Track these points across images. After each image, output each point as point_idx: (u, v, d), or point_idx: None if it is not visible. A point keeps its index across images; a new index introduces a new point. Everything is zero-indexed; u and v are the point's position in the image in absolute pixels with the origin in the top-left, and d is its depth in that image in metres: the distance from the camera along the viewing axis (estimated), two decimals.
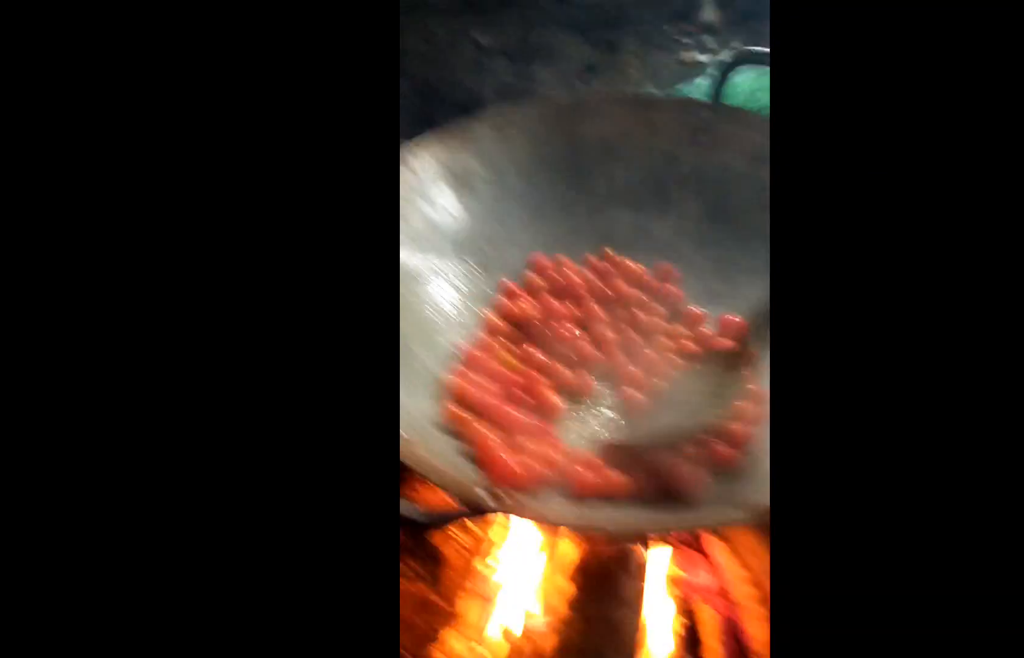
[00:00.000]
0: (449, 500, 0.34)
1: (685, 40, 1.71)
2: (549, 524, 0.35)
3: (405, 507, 0.30)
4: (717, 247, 0.62)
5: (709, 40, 1.71)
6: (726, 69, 0.67)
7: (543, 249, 0.62)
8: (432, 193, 0.59)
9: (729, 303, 0.57)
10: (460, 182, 0.61)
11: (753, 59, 0.71)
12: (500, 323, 0.56)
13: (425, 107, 1.40)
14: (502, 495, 0.34)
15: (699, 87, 1.42)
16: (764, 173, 0.62)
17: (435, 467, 0.37)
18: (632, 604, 0.47)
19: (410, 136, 1.28)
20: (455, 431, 0.44)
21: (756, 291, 0.57)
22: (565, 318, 0.56)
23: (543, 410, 0.48)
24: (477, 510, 0.33)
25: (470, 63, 1.57)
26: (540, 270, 0.60)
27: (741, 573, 0.56)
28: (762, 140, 0.63)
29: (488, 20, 1.74)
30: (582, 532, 0.33)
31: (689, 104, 0.68)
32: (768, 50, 0.82)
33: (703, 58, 1.63)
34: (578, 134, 0.66)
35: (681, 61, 1.65)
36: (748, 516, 0.35)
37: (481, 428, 0.44)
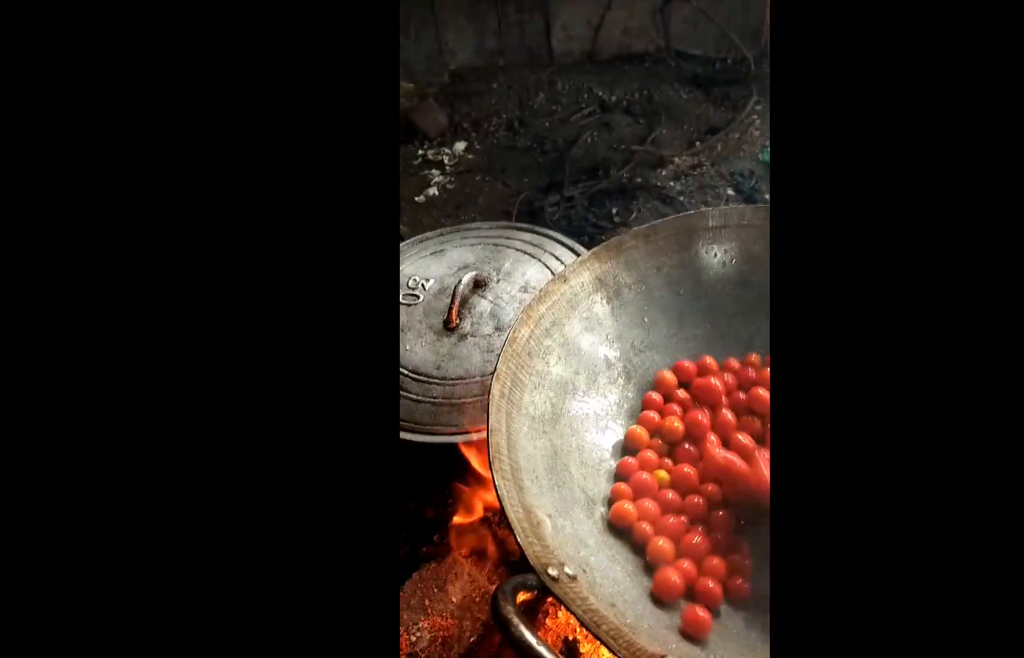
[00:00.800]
0: None
1: None
2: None
3: None
4: None
5: None
6: None
7: (686, 355, 0.63)
8: (587, 305, 0.61)
9: None
10: (612, 292, 0.63)
11: None
12: (646, 435, 0.57)
13: (553, 168, 1.43)
14: None
15: None
16: None
17: (612, 624, 0.38)
18: None
19: (545, 196, 1.31)
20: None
21: None
22: (706, 429, 0.57)
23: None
24: None
25: (593, 123, 1.59)
26: (682, 374, 0.61)
27: None
28: None
29: (611, 78, 1.76)
30: None
31: None
32: None
33: None
34: (721, 244, 0.66)
35: None
36: None
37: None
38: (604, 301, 0.62)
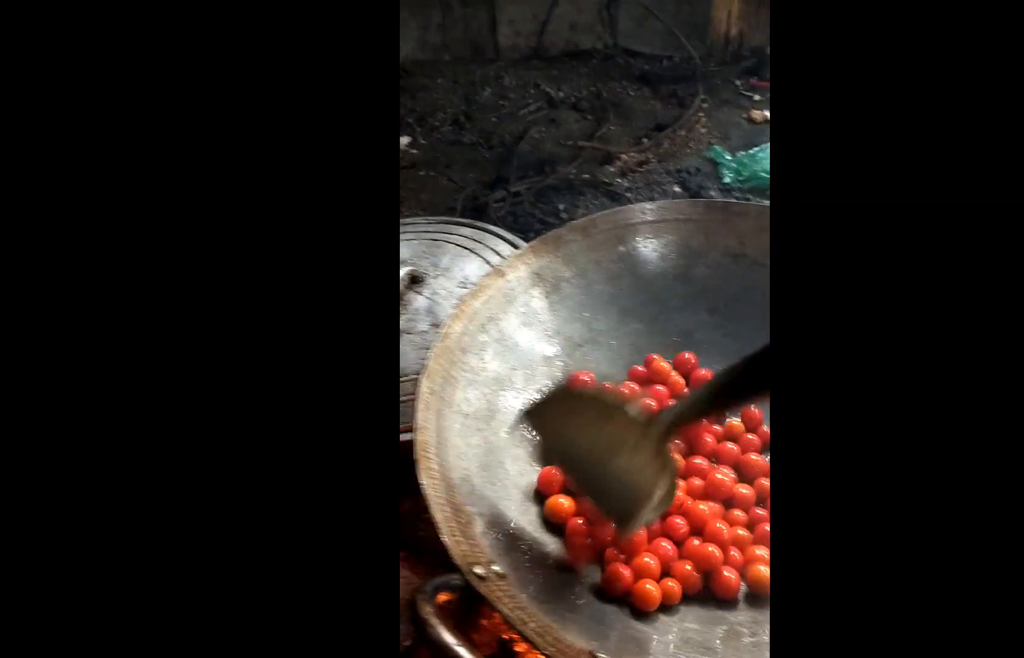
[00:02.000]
0: None
1: (756, 97, 1.71)
2: None
3: None
4: None
5: None
6: None
7: (628, 350, 0.64)
8: (524, 300, 0.61)
9: None
10: (550, 287, 0.63)
11: None
12: None
13: (499, 164, 1.43)
14: None
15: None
16: None
17: (540, 620, 0.38)
18: None
19: (490, 192, 1.30)
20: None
21: None
22: None
23: None
24: None
25: (541, 119, 1.60)
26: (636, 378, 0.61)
27: None
28: None
29: (559, 73, 1.77)
30: None
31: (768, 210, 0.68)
32: None
33: None
34: (661, 238, 0.67)
35: (750, 119, 1.65)
36: None
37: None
38: (542, 296, 0.62)
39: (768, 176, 1.42)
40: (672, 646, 0.43)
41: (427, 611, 0.32)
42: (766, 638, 0.44)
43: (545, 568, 0.46)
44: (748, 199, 1.35)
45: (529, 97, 1.70)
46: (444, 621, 0.32)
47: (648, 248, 0.67)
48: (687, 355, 0.63)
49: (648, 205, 0.67)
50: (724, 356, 0.63)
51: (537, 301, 0.62)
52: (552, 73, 1.81)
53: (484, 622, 0.54)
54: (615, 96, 1.70)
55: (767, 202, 1.10)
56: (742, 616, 0.46)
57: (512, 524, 0.47)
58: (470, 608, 0.55)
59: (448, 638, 0.31)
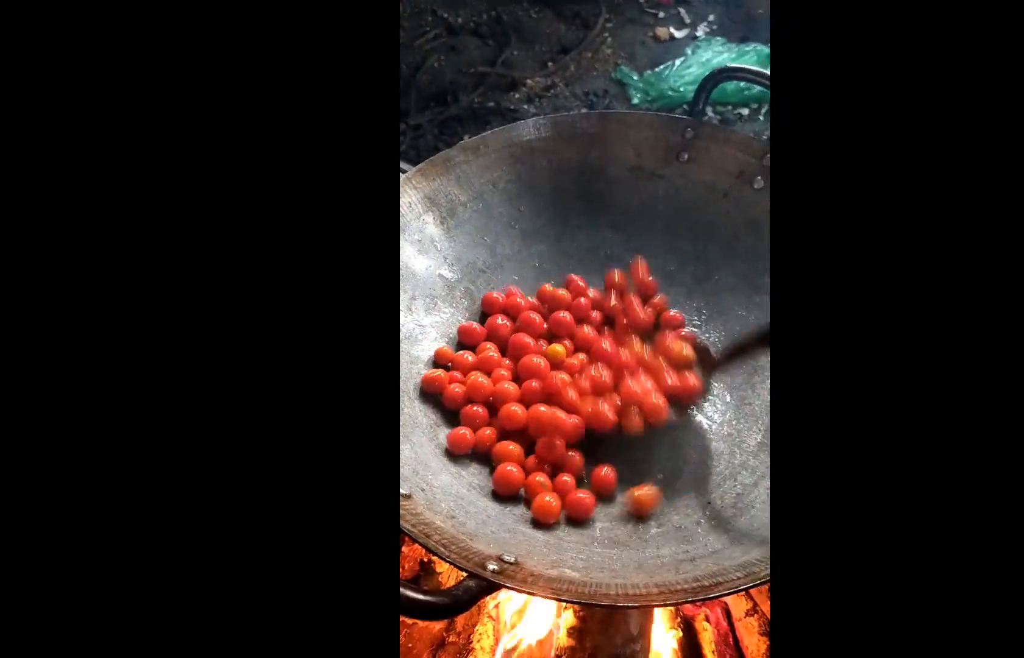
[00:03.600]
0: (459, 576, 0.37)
1: (660, 14, 1.73)
2: (560, 599, 0.38)
3: (417, 592, 0.32)
4: (704, 264, 0.65)
5: (684, 14, 1.72)
6: (706, 83, 0.70)
7: (532, 273, 0.65)
8: (417, 227, 0.61)
9: (715, 320, 0.62)
10: (445, 212, 0.63)
11: (732, 75, 0.74)
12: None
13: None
14: (510, 568, 0.38)
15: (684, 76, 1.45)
16: (746, 191, 0.67)
17: (445, 533, 0.40)
18: (640, 638, 0.51)
19: None
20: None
21: (737, 305, 0.62)
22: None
23: None
24: (490, 586, 0.36)
25: (439, 47, 1.56)
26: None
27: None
28: (743, 157, 0.66)
29: None
30: (587, 605, 0.36)
31: (670, 122, 0.70)
32: (746, 67, 0.85)
33: (679, 35, 1.65)
34: (558, 155, 0.68)
35: (655, 37, 1.67)
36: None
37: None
38: (437, 221, 0.62)
39: (675, 94, 1.45)
40: (577, 553, 0.45)
41: None
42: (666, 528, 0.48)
43: (454, 490, 0.47)
44: None
45: (426, 24, 1.66)
46: None
47: (545, 165, 0.68)
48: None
49: (542, 119, 0.68)
50: (627, 266, 0.65)
51: (432, 227, 0.62)
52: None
53: (405, 549, 0.55)
54: (516, 19, 1.68)
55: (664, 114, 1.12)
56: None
57: (413, 451, 0.48)
58: None
59: None
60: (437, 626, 0.55)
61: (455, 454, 0.51)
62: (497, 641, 0.60)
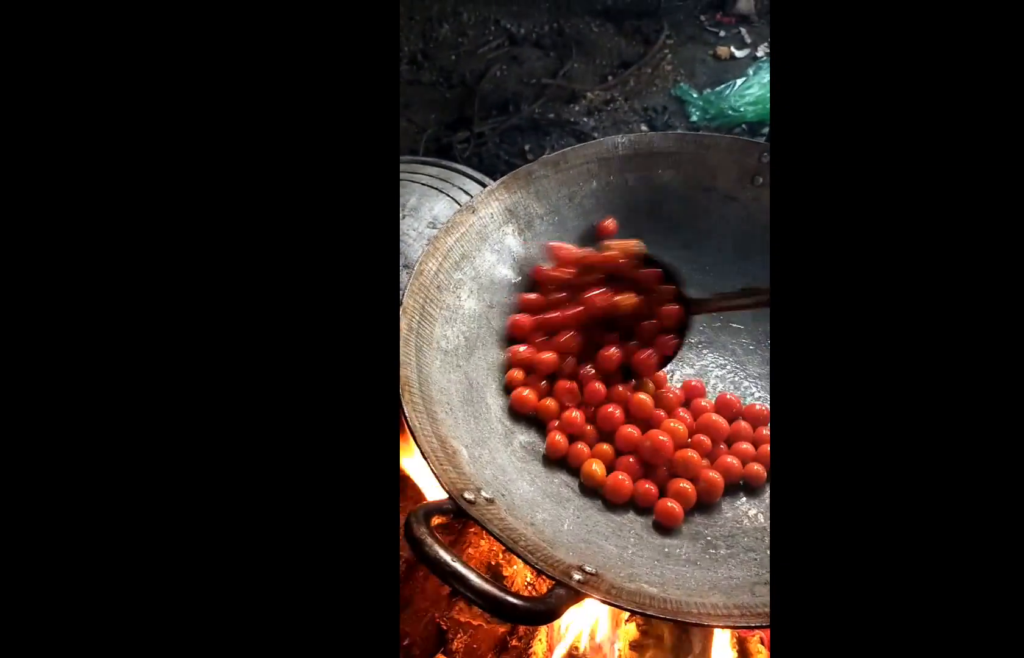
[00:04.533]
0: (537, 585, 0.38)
1: (721, 33, 1.72)
2: (645, 613, 0.39)
3: (516, 597, 0.33)
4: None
5: (745, 34, 1.71)
6: None
7: None
8: (498, 237, 0.63)
9: None
10: (524, 223, 0.64)
11: None
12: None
13: (462, 104, 1.42)
14: (593, 579, 0.38)
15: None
16: None
17: (529, 539, 0.41)
18: (702, 656, 0.51)
19: (453, 133, 1.29)
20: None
21: None
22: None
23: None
24: (576, 595, 0.37)
25: (502, 56, 1.58)
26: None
27: None
28: None
29: (519, 9, 1.75)
30: (669, 619, 0.37)
31: (747, 145, 0.71)
32: None
33: (740, 54, 1.65)
34: (633, 173, 0.69)
35: (716, 56, 1.67)
36: None
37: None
38: (516, 233, 0.64)
39: (735, 114, 1.45)
40: (650, 568, 0.46)
41: (422, 531, 0.34)
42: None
43: (531, 496, 0.48)
44: None
45: (489, 34, 1.68)
46: (438, 540, 0.34)
47: (621, 182, 0.69)
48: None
49: (619, 138, 0.69)
50: (700, 289, 0.66)
51: (511, 238, 0.63)
52: (512, 8, 1.78)
53: (471, 551, 0.57)
54: (578, 32, 1.69)
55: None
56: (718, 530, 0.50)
57: (491, 456, 0.50)
58: (457, 541, 0.58)
59: (444, 554, 0.33)
60: (501, 629, 0.56)
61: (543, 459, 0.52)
62: (551, 648, 0.61)
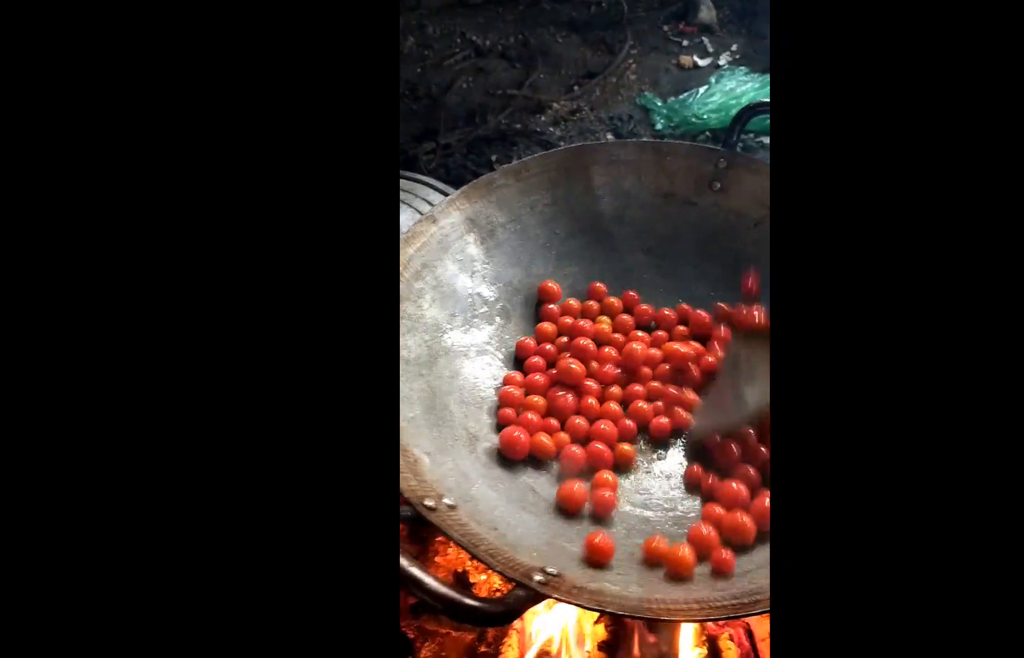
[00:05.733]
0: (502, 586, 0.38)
1: (684, 42, 1.76)
2: (605, 611, 0.40)
3: (472, 599, 0.34)
4: (733, 292, 0.67)
5: (707, 43, 1.75)
6: (741, 115, 0.72)
7: (567, 293, 0.67)
8: (460, 246, 0.63)
9: None
10: (485, 232, 0.65)
11: (767, 109, 0.76)
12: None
13: (428, 116, 1.43)
14: (554, 579, 0.39)
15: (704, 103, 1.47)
16: None
17: (491, 543, 0.41)
18: (669, 654, 0.52)
19: (419, 144, 1.30)
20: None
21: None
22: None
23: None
24: (537, 596, 0.37)
25: (468, 68, 1.60)
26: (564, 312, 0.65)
27: None
28: None
29: (484, 21, 1.76)
30: (628, 615, 0.38)
31: (705, 151, 0.72)
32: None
33: (702, 63, 1.68)
34: (594, 180, 0.70)
35: (679, 65, 1.70)
36: None
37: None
38: (477, 242, 0.64)
39: (698, 121, 1.48)
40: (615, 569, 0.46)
41: None
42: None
43: (494, 501, 0.49)
44: None
45: (454, 46, 1.69)
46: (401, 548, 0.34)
47: (582, 190, 0.70)
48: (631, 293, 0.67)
49: (581, 146, 0.70)
50: (663, 292, 0.67)
51: (473, 247, 0.64)
52: (477, 21, 1.80)
53: (439, 560, 0.57)
54: (543, 43, 1.71)
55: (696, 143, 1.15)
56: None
57: (455, 463, 0.50)
58: (425, 550, 0.58)
59: (403, 561, 0.33)
60: (469, 637, 0.56)
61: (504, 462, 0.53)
62: (522, 654, 0.61)
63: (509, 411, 0.56)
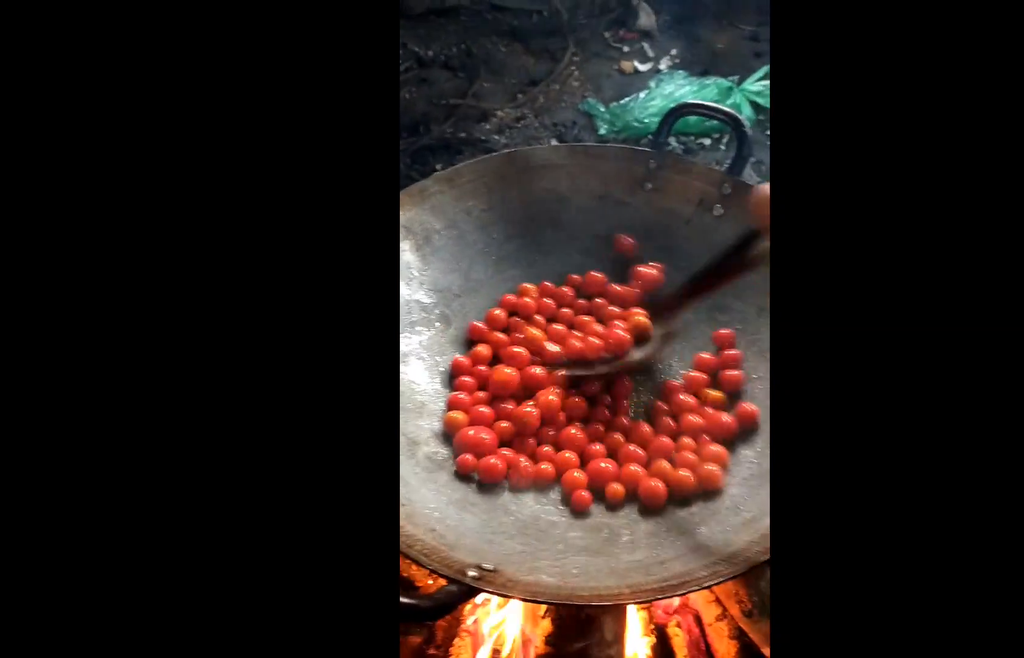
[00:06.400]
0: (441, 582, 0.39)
1: (625, 48, 1.80)
2: (537, 601, 0.41)
3: (406, 597, 0.34)
4: (666, 287, 0.69)
5: (647, 48, 1.80)
6: (668, 117, 0.74)
7: (503, 295, 0.68)
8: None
9: (677, 338, 0.65)
10: (421, 239, 0.66)
11: (692, 110, 0.79)
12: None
13: None
14: (489, 574, 0.40)
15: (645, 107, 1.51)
16: (707, 217, 0.71)
17: (427, 544, 0.42)
18: (615, 643, 0.54)
19: None
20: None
21: (700, 323, 0.65)
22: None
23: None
24: (471, 591, 0.38)
25: (411, 78, 1.60)
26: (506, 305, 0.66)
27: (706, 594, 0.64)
28: (703, 186, 0.71)
29: (426, 32, 1.77)
30: (568, 606, 0.39)
31: (635, 153, 0.75)
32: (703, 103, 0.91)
33: (643, 68, 1.72)
34: (529, 185, 0.72)
35: (621, 70, 1.74)
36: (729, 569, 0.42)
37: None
38: (413, 249, 0.65)
39: (640, 125, 1.51)
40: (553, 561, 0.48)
41: None
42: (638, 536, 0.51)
43: (434, 503, 0.49)
44: None
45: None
46: None
47: (517, 195, 0.71)
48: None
49: (514, 152, 0.71)
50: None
51: (408, 254, 0.65)
52: (419, 31, 1.80)
53: None
54: (486, 53, 1.73)
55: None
56: (621, 520, 0.52)
57: (401, 462, 0.51)
58: None
59: None
60: (417, 640, 0.57)
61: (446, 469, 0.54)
62: (475, 654, 0.62)
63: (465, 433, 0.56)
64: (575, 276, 0.69)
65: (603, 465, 0.54)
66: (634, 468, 0.54)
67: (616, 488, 0.53)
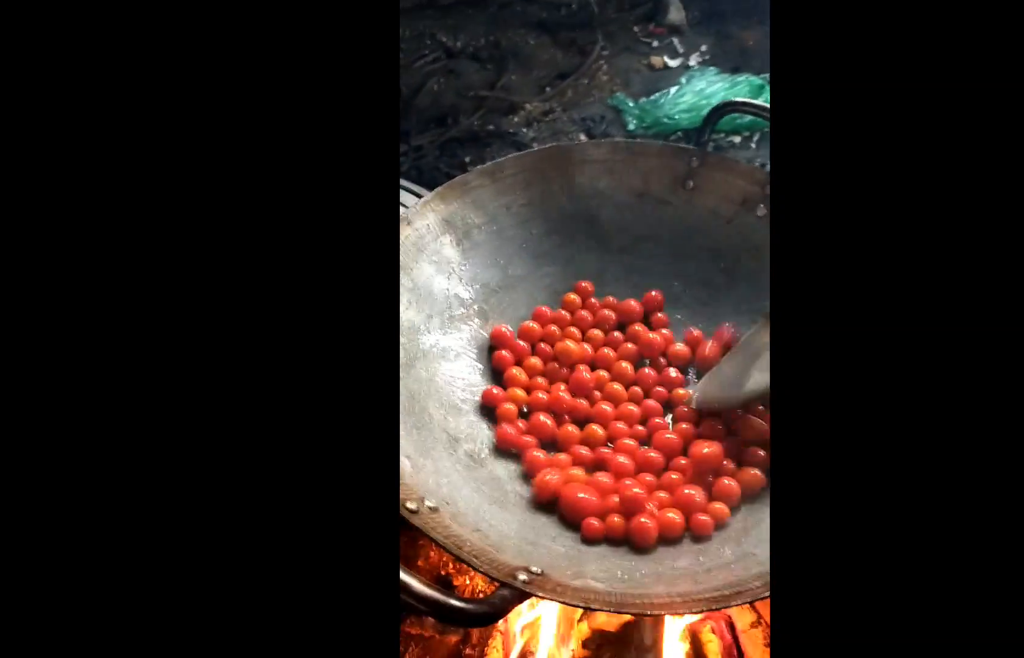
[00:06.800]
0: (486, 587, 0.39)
1: (654, 43, 1.78)
2: (591, 608, 0.40)
3: (458, 600, 0.34)
4: (707, 288, 0.68)
5: (677, 43, 1.78)
6: (712, 114, 0.73)
7: (543, 293, 0.67)
8: (435, 247, 0.63)
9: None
10: (461, 233, 0.65)
11: (737, 108, 0.78)
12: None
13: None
14: (538, 578, 0.39)
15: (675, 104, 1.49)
16: (750, 218, 0.70)
17: (475, 545, 0.41)
18: (652, 648, 0.53)
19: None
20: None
21: (740, 327, 0.64)
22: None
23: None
24: (522, 595, 0.38)
25: (439, 70, 1.60)
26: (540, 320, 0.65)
27: None
28: (746, 185, 0.70)
29: (455, 22, 1.77)
30: (613, 611, 0.38)
31: (677, 151, 0.73)
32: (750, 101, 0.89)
33: (672, 63, 1.70)
34: (569, 181, 0.71)
35: (651, 65, 1.72)
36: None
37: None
38: (453, 243, 0.64)
39: (670, 122, 1.50)
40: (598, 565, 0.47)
41: None
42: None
43: (476, 503, 0.49)
44: None
45: (424, 47, 1.69)
46: None
47: (557, 190, 0.70)
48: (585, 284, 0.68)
49: (556, 147, 0.71)
50: (636, 291, 0.68)
51: (449, 248, 0.64)
52: (448, 22, 1.80)
53: (421, 563, 0.57)
54: (514, 45, 1.72)
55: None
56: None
57: (435, 465, 0.50)
58: (407, 553, 0.58)
59: None
60: (454, 639, 0.56)
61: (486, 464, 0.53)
62: (507, 655, 0.61)
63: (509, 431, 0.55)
64: (611, 299, 0.68)
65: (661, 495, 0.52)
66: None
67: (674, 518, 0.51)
